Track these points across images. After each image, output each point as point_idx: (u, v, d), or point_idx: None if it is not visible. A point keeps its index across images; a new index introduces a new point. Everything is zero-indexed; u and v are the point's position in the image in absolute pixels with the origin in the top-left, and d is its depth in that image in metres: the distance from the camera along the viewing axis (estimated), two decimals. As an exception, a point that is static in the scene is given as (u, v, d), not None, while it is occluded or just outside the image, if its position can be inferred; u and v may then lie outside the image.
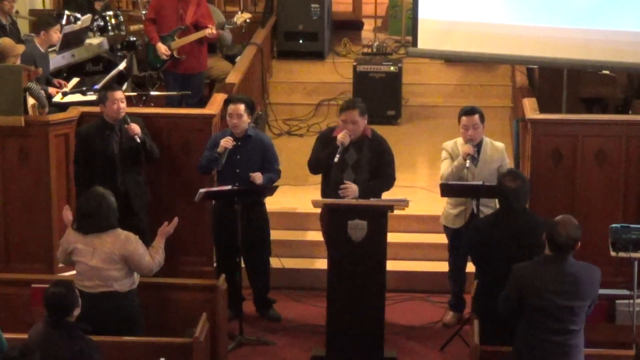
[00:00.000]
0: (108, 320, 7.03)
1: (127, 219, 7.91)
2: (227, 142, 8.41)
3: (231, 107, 8.50)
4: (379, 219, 7.92)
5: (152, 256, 7.27)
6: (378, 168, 8.28)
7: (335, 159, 8.13)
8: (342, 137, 8.20)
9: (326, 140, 8.37)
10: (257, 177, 8.38)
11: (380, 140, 8.39)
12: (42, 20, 10.51)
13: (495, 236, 6.99)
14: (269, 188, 8.49)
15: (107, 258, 7.12)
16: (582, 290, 6.26)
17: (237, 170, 8.44)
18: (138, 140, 8.47)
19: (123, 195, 8.30)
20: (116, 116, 8.51)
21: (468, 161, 8.22)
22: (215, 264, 9.01)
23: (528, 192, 7.22)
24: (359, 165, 8.25)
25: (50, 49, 10.74)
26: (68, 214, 7.52)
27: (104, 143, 8.51)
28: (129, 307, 7.18)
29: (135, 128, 8.48)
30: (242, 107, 8.47)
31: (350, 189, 8.18)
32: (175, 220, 7.53)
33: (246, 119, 8.49)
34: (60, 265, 8.93)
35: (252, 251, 8.56)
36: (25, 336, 6.46)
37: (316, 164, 8.42)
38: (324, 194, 8.36)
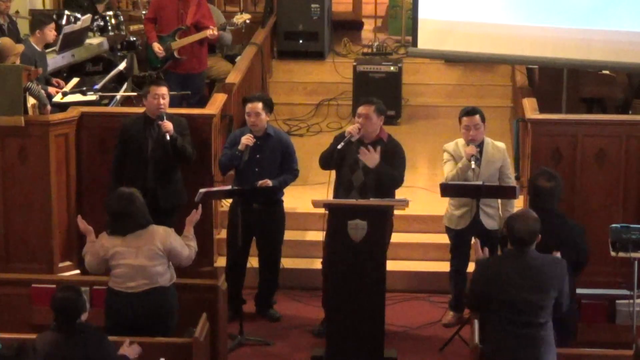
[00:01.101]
0: (153, 316, 7.03)
1: (153, 217, 7.82)
2: (248, 140, 8.40)
3: (249, 106, 8.50)
4: (379, 219, 7.92)
5: (188, 245, 7.27)
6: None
7: (339, 146, 8.12)
8: (352, 128, 8.21)
9: (340, 138, 8.34)
10: (265, 184, 8.37)
11: (395, 144, 8.36)
12: (36, 20, 10.51)
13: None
14: (270, 188, 8.48)
15: (152, 254, 7.08)
16: (545, 284, 6.28)
17: (257, 169, 8.43)
18: (167, 137, 8.44)
19: (152, 192, 8.28)
20: (156, 111, 8.51)
21: (473, 162, 8.21)
22: (217, 263, 9.01)
23: (560, 193, 7.18)
24: (369, 168, 8.21)
25: (50, 49, 10.75)
26: (84, 223, 7.38)
27: (140, 137, 8.52)
28: (172, 301, 7.18)
29: (168, 125, 8.45)
30: (259, 105, 8.47)
31: (370, 156, 8.13)
32: (200, 207, 7.51)
33: (264, 117, 8.49)
34: (60, 265, 8.96)
35: (267, 251, 8.59)
36: (25, 336, 6.46)
37: (326, 157, 8.36)
38: (335, 195, 8.34)
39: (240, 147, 8.40)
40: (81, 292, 6.38)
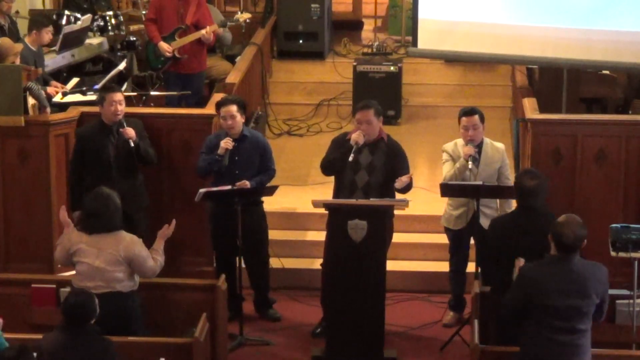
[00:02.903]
0: (109, 320, 7.00)
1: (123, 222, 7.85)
2: (227, 143, 8.40)
3: (223, 110, 8.48)
4: (379, 219, 7.92)
5: (154, 258, 7.26)
6: (394, 171, 8.25)
7: (350, 158, 8.11)
8: (356, 136, 8.19)
9: (340, 143, 8.33)
10: (244, 185, 8.36)
11: (395, 144, 8.36)
12: (35, 20, 10.50)
13: (512, 235, 6.97)
14: (269, 188, 8.49)
15: (112, 259, 7.09)
16: (588, 289, 6.26)
17: (237, 172, 8.43)
18: (132, 144, 8.44)
19: (119, 198, 8.30)
20: (114, 118, 8.49)
21: (470, 162, 8.21)
22: (214, 265, 9.01)
23: (545, 191, 7.19)
24: (372, 167, 8.23)
25: (50, 49, 10.76)
26: (65, 215, 7.48)
27: (100, 145, 8.49)
28: (130, 307, 7.17)
29: (130, 132, 8.45)
30: (234, 108, 8.46)
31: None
32: (174, 222, 7.51)
33: (240, 119, 8.48)
34: (60, 265, 8.94)
35: (251, 251, 8.56)
36: (25, 336, 6.46)
37: (329, 164, 8.36)
38: (336, 195, 8.33)
39: (219, 151, 8.38)
40: (93, 296, 6.41)
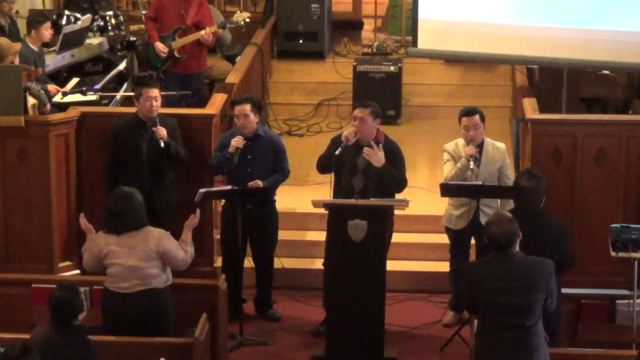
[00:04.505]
0: (147, 318, 7.02)
1: (149, 218, 7.82)
2: (238, 142, 8.40)
3: (237, 109, 8.50)
4: (379, 219, 7.92)
5: (184, 250, 7.26)
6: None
7: (337, 152, 8.11)
8: (348, 132, 8.22)
9: (339, 142, 8.34)
10: (255, 184, 8.36)
11: (392, 145, 8.36)
12: (32, 19, 10.49)
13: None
14: (268, 188, 8.49)
15: (145, 256, 7.07)
16: (532, 285, 6.26)
17: (249, 170, 8.43)
18: (162, 144, 8.44)
19: (148, 194, 8.29)
20: (148, 114, 8.49)
21: (472, 162, 8.21)
22: (217, 263, 9.01)
23: (543, 193, 7.18)
24: (369, 171, 8.22)
25: (50, 49, 10.75)
26: (85, 221, 7.39)
27: (134, 140, 8.51)
28: (167, 303, 7.17)
29: (162, 131, 8.44)
30: (248, 107, 8.47)
31: (375, 154, 8.11)
32: (198, 212, 7.50)
33: (253, 118, 8.48)
34: (60, 265, 8.96)
35: (261, 250, 8.58)
36: (25, 336, 6.45)
37: (323, 162, 8.38)
38: (334, 198, 8.33)
39: (230, 149, 8.40)
40: (79, 292, 6.38)
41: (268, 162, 8.52)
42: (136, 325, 6.94)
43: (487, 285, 6.26)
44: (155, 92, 8.51)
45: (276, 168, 8.56)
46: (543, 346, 6.34)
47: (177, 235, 7.37)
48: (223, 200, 8.78)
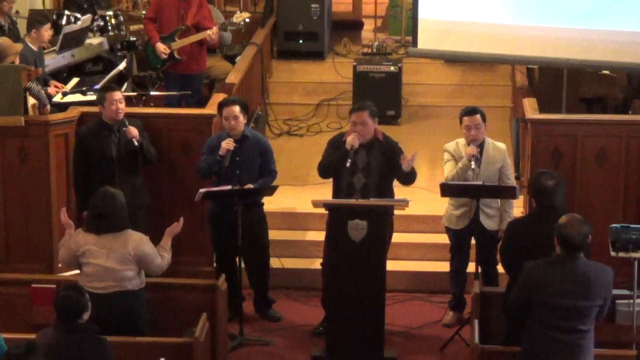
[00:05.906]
0: (119, 319, 7.01)
1: None
2: (228, 144, 8.39)
3: (226, 110, 8.48)
4: (379, 219, 7.92)
5: (162, 256, 7.26)
6: (392, 170, 8.25)
7: (347, 164, 8.10)
8: (351, 139, 8.17)
9: (337, 145, 8.33)
10: (247, 187, 8.38)
11: (391, 143, 8.37)
12: (32, 19, 10.49)
13: (531, 236, 6.93)
14: (268, 188, 8.49)
15: (123, 258, 7.08)
16: (592, 290, 6.25)
17: (238, 172, 8.43)
18: (135, 143, 8.45)
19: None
20: (115, 117, 8.49)
21: (473, 162, 8.21)
22: (215, 265, 9.01)
23: (563, 191, 7.17)
24: (369, 169, 8.22)
25: (50, 49, 10.75)
26: (66, 216, 7.44)
27: (102, 145, 8.50)
28: (140, 305, 7.17)
29: (133, 131, 8.45)
30: (237, 108, 8.46)
31: (409, 162, 8.12)
32: (181, 220, 7.52)
33: (242, 119, 8.49)
34: (60, 265, 8.95)
35: (251, 251, 8.56)
36: (25, 336, 6.45)
37: (326, 167, 8.37)
38: (335, 197, 8.33)
39: (221, 152, 8.38)
40: (84, 292, 6.38)
41: (256, 162, 8.51)
42: (107, 326, 6.82)
43: (551, 287, 6.23)
44: (119, 95, 8.51)
45: (263, 171, 8.54)
46: (591, 353, 6.35)
47: (148, 233, 7.41)
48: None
